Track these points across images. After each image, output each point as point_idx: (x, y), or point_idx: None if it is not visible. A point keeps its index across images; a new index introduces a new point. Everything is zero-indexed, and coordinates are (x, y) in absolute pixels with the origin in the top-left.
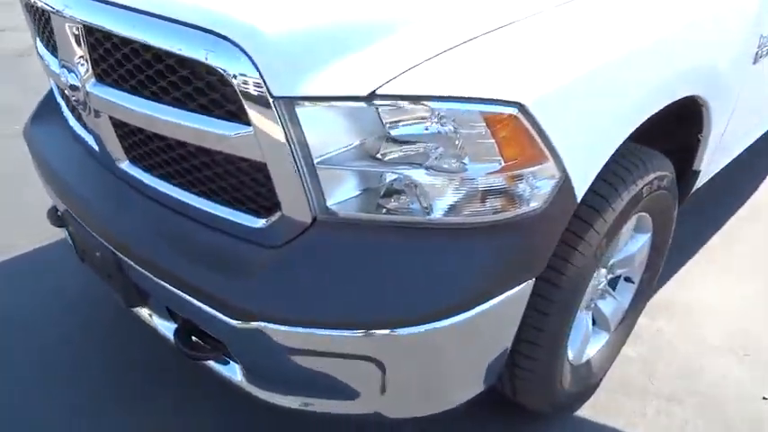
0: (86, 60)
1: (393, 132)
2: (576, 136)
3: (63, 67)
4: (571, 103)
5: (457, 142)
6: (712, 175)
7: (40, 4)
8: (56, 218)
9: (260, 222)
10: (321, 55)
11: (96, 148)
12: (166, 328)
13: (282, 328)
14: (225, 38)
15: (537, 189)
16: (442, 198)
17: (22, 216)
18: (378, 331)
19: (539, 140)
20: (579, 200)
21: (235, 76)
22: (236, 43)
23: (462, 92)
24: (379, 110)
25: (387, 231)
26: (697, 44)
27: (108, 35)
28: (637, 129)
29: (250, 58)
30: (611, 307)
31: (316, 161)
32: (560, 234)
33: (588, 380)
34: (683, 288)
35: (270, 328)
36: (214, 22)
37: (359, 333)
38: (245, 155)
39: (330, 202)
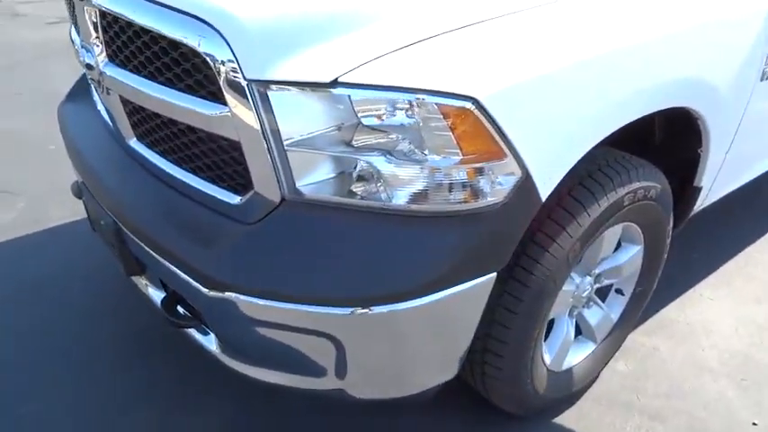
0: (101, 42)
1: (365, 121)
2: (537, 135)
3: (83, 47)
4: (531, 102)
5: (420, 134)
6: (721, 194)
7: None
8: (77, 190)
9: (236, 199)
10: (292, 42)
11: (111, 125)
12: (158, 297)
13: (247, 298)
14: (205, 22)
15: (496, 184)
16: (403, 186)
17: (64, 191)
18: (332, 309)
19: (496, 136)
20: (544, 199)
21: (214, 59)
22: (214, 27)
23: (420, 84)
24: (352, 98)
25: (351, 214)
26: (685, 54)
27: (116, 19)
28: (635, 138)
29: (227, 41)
30: (597, 317)
31: (285, 143)
32: (522, 231)
33: (568, 388)
34: (688, 308)
35: (237, 298)
36: (196, 7)
37: (314, 309)
38: (224, 134)
39: (299, 184)
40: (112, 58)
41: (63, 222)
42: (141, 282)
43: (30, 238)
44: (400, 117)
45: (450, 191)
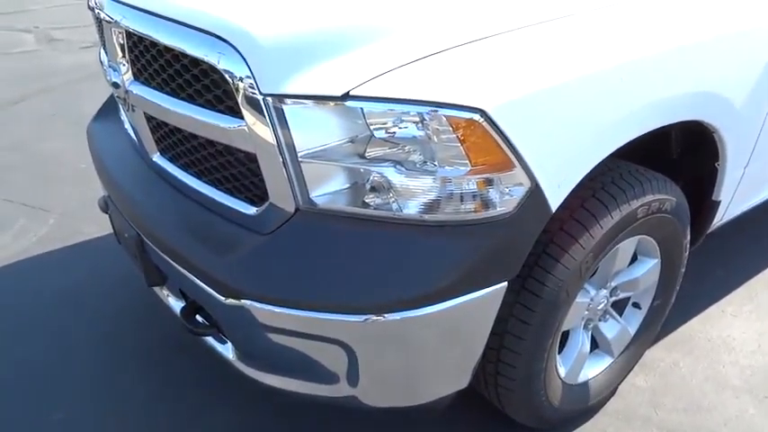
0: (127, 61)
1: (377, 133)
2: (546, 147)
3: (110, 67)
4: (540, 113)
5: (430, 145)
6: (742, 209)
7: (102, 15)
8: (104, 204)
9: (253, 210)
10: (305, 58)
11: (136, 141)
12: (177, 306)
13: (262, 306)
14: (223, 40)
15: (505, 195)
16: (414, 196)
17: (92, 208)
18: (346, 316)
19: (504, 148)
20: (554, 209)
21: (232, 75)
22: (232, 45)
23: (430, 96)
24: (364, 110)
25: (363, 224)
26: (698, 67)
27: (141, 39)
28: (652, 151)
29: (243, 57)
30: (614, 330)
31: (300, 155)
32: (533, 241)
33: (584, 401)
34: (710, 324)
35: (252, 306)
36: (215, 26)
37: (328, 316)
38: (241, 146)
39: (313, 195)
40: (137, 76)
41: (91, 237)
42: (162, 292)
43: (59, 251)
44: (411, 129)
45: (460, 201)
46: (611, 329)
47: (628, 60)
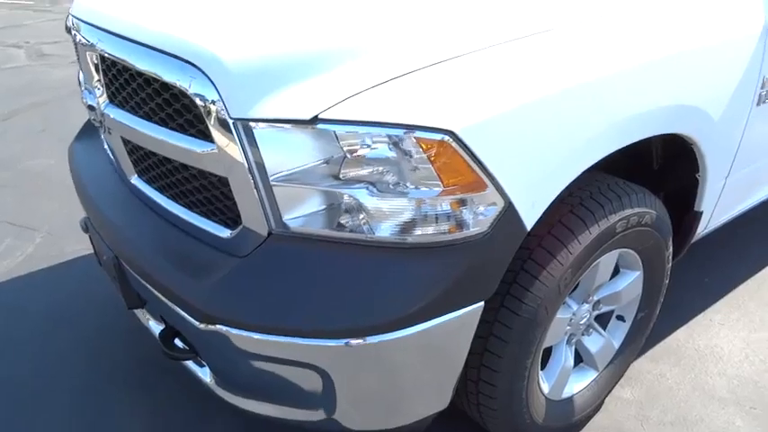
0: (102, 84)
1: (349, 155)
2: (518, 166)
3: (86, 89)
4: (510, 133)
5: (401, 167)
6: (725, 219)
7: (78, 38)
8: (84, 226)
9: (227, 233)
10: (274, 81)
11: (114, 162)
12: (157, 330)
13: (238, 332)
14: (193, 65)
15: (479, 215)
16: (387, 218)
17: (79, 227)
18: (318, 341)
19: (475, 168)
20: (528, 228)
21: (203, 99)
22: (200, 69)
23: (399, 118)
24: (337, 133)
25: (337, 247)
26: (674, 81)
27: (114, 62)
28: (634, 163)
29: (212, 82)
30: (598, 344)
31: (271, 178)
32: (508, 260)
33: (569, 417)
34: (697, 334)
35: (228, 331)
36: (185, 51)
37: (302, 342)
38: (212, 170)
39: (286, 218)
40: (112, 99)
41: (78, 256)
42: (143, 315)
43: (46, 270)
44: (382, 150)
45: (434, 222)
46: (594, 343)
47: (600, 77)
